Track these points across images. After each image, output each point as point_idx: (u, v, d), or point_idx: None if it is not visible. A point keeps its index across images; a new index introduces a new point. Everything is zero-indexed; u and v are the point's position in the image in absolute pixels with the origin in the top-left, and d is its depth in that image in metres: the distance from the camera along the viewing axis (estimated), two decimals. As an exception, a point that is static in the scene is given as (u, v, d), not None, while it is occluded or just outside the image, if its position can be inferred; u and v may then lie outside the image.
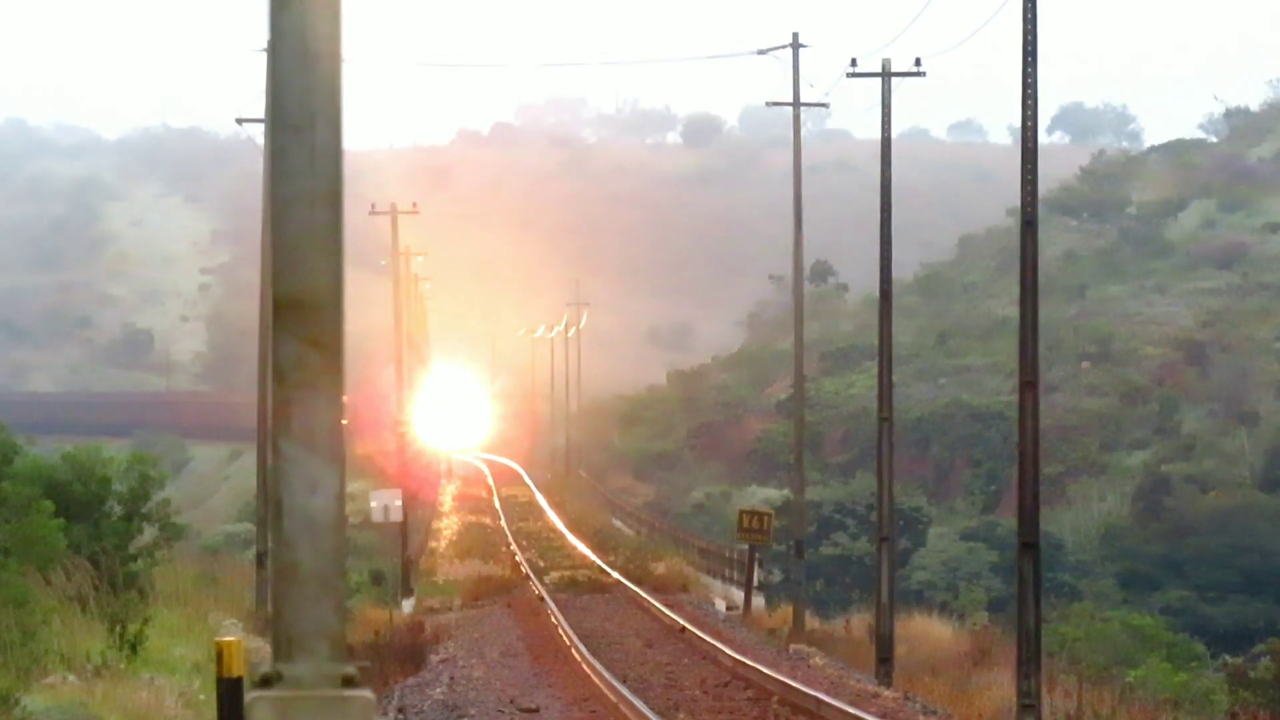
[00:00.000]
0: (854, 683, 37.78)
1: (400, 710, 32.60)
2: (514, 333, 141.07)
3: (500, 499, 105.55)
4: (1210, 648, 59.40)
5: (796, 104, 52.80)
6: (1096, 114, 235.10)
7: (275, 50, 6.70)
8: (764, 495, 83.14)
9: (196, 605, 41.58)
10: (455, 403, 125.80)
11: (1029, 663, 31.71)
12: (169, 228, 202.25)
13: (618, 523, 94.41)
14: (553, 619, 49.73)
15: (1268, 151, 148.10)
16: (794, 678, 35.65)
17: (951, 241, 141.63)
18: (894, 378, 44.58)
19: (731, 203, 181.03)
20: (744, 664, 37.96)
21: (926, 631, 50.19)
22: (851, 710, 30.08)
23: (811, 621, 54.02)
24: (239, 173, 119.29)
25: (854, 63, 43.91)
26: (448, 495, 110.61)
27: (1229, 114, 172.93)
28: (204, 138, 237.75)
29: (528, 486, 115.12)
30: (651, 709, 30.68)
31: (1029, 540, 32.52)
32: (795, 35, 52.09)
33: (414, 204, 70.30)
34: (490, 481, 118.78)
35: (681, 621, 49.00)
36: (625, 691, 32.60)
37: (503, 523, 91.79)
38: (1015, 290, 33.25)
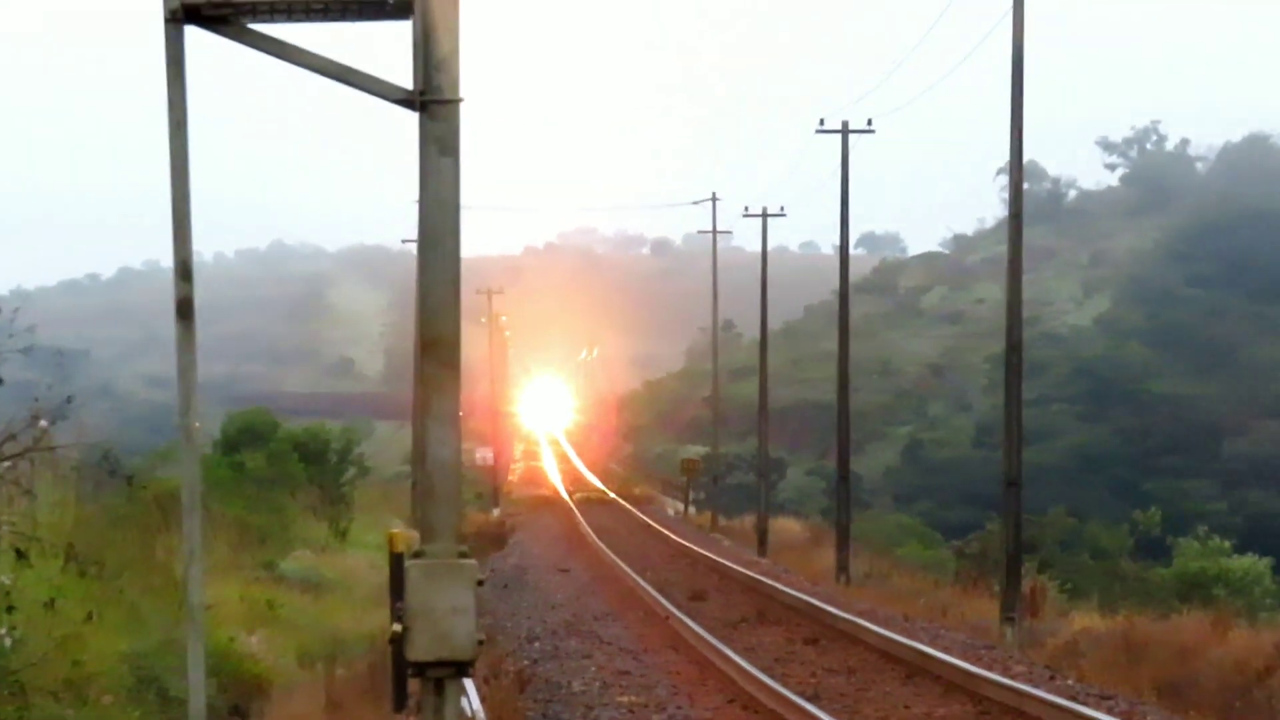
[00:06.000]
0: (745, 555, 52.42)
1: (491, 570, 42.93)
2: (561, 359, 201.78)
3: (551, 453, 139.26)
4: (945, 536, 75.19)
5: (714, 232, 75.07)
6: (883, 237, 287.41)
7: (423, 202, 8.85)
8: (696, 450, 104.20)
9: (379, 512, 56.05)
10: (556, 401, 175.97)
11: (843, 543, 46.53)
12: (363, 301, 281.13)
13: (614, 466, 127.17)
14: (577, 518, 69.88)
15: (976, 259, 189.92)
16: (712, 551, 50.17)
17: (800, 310, 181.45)
18: (769, 384, 66.91)
19: (679, 288, 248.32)
20: (683, 545, 53.35)
21: (785, 527, 68.23)
22: (743, 570, 42.45)
23: (721, 521, 74.10)
24: (403, 269, 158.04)
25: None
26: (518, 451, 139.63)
27: (956, 237, 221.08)
28: (384, 250, 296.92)
29: (565, 449, 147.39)
30: (631, 568, 42.53)
31: (844, 475, 48.67)
32: (714, 194, 75.77)
33: (500, 288, 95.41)
34: (544, 446, 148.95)
35: (647, 519, 70.34)
36: (617, 559, 45.73)
37: (545, 465, 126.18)
38: (836, 336, 49.33)
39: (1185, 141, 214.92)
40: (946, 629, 29.97)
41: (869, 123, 49.03)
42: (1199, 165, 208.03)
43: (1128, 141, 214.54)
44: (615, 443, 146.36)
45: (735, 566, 43.28)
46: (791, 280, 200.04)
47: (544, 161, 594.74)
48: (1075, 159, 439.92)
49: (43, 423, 9.21)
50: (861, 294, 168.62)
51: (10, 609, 10.41)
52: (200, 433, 9.12)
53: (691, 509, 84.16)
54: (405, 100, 8.78)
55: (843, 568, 46.24)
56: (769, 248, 63.90)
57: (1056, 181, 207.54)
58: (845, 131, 48.71)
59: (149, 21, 8.91)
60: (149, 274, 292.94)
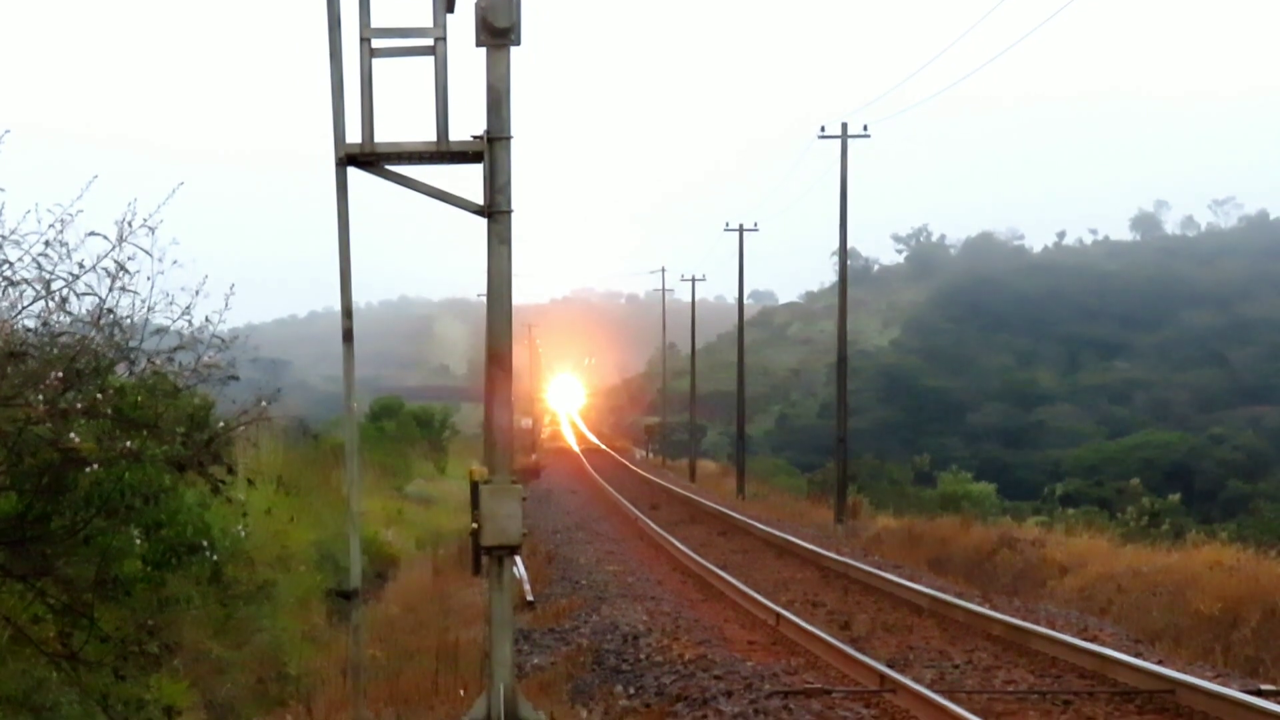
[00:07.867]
0: (682, 482, 51.20)
1: (530, 491, 43.40)
2: (572, 364, 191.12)
3: (567, 422, 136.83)
4: (801, 470, 73.86)
5: (663, 290, 79.21)
6: (764, 292, 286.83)
7: (490, 271, 8.60)
8: (653, 419, 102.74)
9: (464, 457, 55.52)
10: (570, 390, 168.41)
11: (741, 475, 47.57)
12: (454, 330, 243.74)
13: (605, 430, 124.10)
14: (583, 461, 68.87)
15: (820, 305, 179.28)
16: (662, 480, 49.02)
17: (715, 337, 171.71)
18: (696, 380, 70.49)
19: (643, 323, 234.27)
20: (645, 476, 52.85)
21: (705, 466, 68.84)
22: (681, 491, 41.96)
23: (668, 462, 75.55)
24: (478, 311, 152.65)
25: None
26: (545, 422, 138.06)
27: (807, 292, 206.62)
28: (467, 300, 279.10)
29: (575, 420, 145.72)
30: (614, 490, 42.13)
31: (741, 434, 52.23)
32: (663, 267, 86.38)
33: (535, 321, 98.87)
34: (563, 418, 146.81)
35: (625, 461, 70.07)
36: (606, 485, 45.03)
37: (564, 429, 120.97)
38: (736, 352, 51.26)
39: (944, 236, 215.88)
40: (802, 526, 29.94)
41: (755, 224, 49.53)
42: (952, 250, 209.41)
43: (909, 236, 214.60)
44: (606, 416, 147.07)
45: (676, 489, 43.35)
46: (710, 319, 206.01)
47: (562, 243, 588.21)
48: (878, 246, 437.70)
49: (263, 403, 9.21)
50: (750, 327, 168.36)
51: (244, 514, 10.58)
52: (356, 410, 9.08)
53: (650, 455, 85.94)
54: (478, 210, 8.72)
55: (741, 490, 46.45)
56: (696, 298, 66.77)
57: (866, 259, 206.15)
58: (741, 230, 48.98)
59: (325, 163, 8.86)
60: (326, 315, 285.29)
